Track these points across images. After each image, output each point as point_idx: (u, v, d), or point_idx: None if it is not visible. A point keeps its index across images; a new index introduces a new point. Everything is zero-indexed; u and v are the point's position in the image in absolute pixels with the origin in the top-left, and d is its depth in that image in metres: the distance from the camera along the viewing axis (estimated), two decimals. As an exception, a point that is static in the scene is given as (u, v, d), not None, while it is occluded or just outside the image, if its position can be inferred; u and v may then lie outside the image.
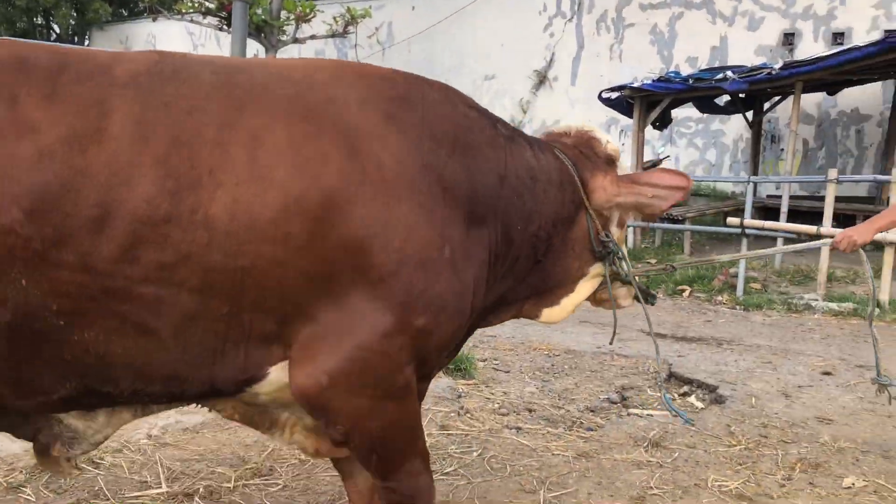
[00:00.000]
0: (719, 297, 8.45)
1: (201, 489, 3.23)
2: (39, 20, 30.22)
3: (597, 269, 2.64)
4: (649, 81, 10.34)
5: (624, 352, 6.24)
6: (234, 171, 1.86)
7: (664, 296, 8.80)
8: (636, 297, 2.79)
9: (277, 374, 2.04)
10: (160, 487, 3.22)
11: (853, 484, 3.59)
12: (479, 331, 6.94)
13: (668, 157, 14.06)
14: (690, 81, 9.89)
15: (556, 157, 2.55)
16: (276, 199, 1.87)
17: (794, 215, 10.50)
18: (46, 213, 1.75)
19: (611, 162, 2.63)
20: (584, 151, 2.62)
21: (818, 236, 8.20)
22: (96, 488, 3.18)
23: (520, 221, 2.38)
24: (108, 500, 3.10)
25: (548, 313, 2.65)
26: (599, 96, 11.00)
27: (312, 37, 14.75)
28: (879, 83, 11.59)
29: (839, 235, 3.50)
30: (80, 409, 2.08)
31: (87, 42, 29.85)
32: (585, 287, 2.68)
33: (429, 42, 18.54)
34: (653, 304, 2.92)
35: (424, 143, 2.14)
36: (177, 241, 1.81)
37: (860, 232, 3.46)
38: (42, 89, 1.82)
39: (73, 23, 28.74)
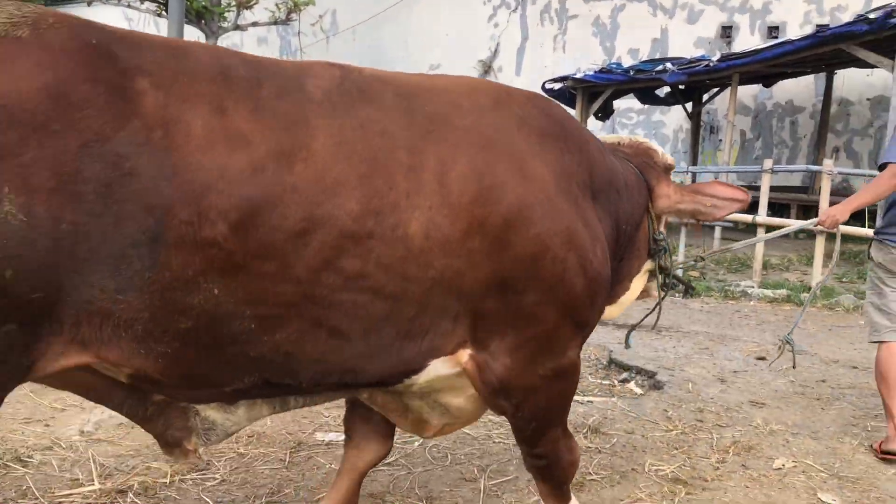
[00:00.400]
0: (659, 285, 8.62)
1: (136, 485, 3.16)
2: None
3: (647, 265, 2.88)
4: (591, 73, 10.44)
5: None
6: (428, 196, 2.02)
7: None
8: (664, 288, 2.99)
9: (435, 367, 2.24)
10: (92, 485, 3.14)
11: (783, 465, 3.70)
12: None
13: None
14: (631, 73, 10.03)
15: (628, 165, 2.79)
16: (464, 224, 2.07)
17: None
18: (253, 228, 1.78)
19: (668, 170, 2.90)
20: (646, 160, 2.86)
21: (754, 225, 8.46)
22: (24, 487, 3.08)
23: (623, 223, 2.67)
24: (36, 499, 3.01)
25: (609, 311, 2.78)
26: (542, 87, 11.08)
27: (254, 24, 14.51)
28: (812, 76, 11.93)
29: (823, 215, 3.93)
30: (246, 399, 2.19)
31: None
32: (638, 284, 2.89)
33: (374, 31, 18.42)
34: (692, 296, 3.29)
35: (565, 156, 2.39)
36: (378, 255, 1.95)
37: (840, 210, 3.85)
38: (247, 102, 1.84)
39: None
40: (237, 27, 14.30)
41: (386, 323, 2.05)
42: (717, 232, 9.55)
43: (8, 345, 1.64)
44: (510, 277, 2.18)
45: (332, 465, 3.40)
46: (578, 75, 10.42)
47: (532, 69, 15.45)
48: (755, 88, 12.83)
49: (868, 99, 11.90)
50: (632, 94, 12.30)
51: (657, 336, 6.46)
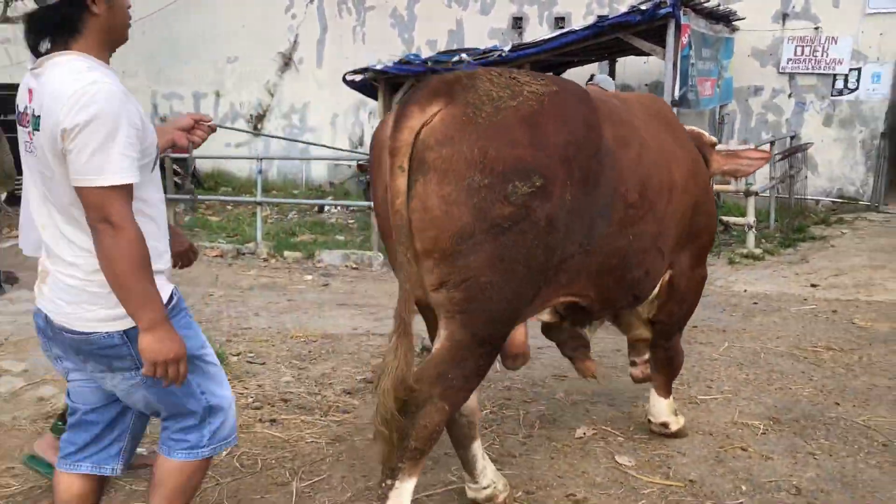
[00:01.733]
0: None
1: None
2: None
3: None
4: (391, 64, 10.50)
5: (379, 331, 6.32)
6: (678, 185, 3.24)
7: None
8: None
9: (657, 285, 3.45)
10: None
11: (584, 433, 3.91)
12: (233, 324, 6.60)
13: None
14: (429, 64, 10.19)
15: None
16: (689, 202, 3.38)
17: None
18: (644, 192, 2.98)
19: (713, 146, 3.90)
20: (700, 140, 3.82)
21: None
22: None
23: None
24: None
25: None
26: (343, 79, 11.01)
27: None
28: (597, 64, 12.71)
29: None
30: (606, 317, 3.65)
31: None
32: None
33: (164, 24, 17.43)
34: None
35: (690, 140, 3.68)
36: (666, 226, 3.17)
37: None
38: (622, 124, 3.00)
39: None
40: (7, 20, 13.02)
41: (660, 264, 3.26)
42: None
43: (534, 294, 2.66)
44: (695, 223, 3.45)
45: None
46: (378, 67, 10.43)
47: (333, 61, 15.30)
48: (547, 76, 13.47)
49: (646, 84, 12.85)
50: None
51: (467, 320, 6.62)
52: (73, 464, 2.41)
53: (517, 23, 13.83)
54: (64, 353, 2.31)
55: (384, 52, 13.97)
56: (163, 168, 15.72)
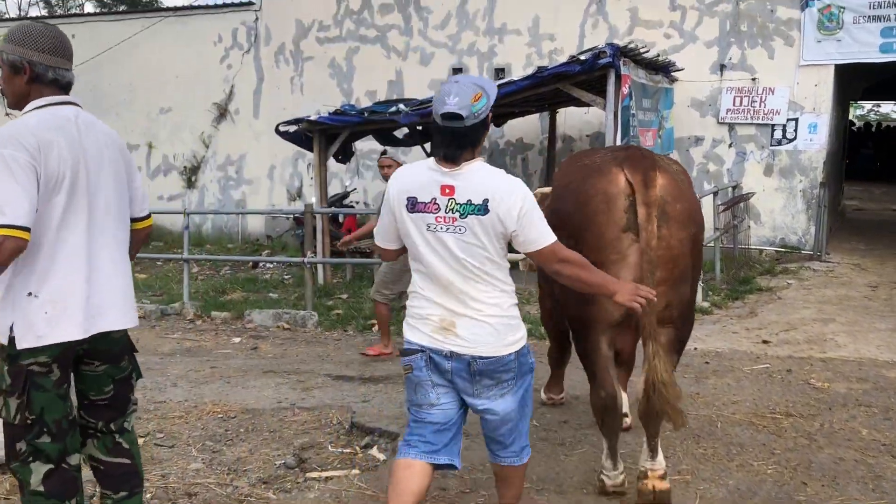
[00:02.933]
0: (408, 330, 8.36)
1: None
2: None
3: None
4: (326, 115, 10.12)
5: (306, 403, 5.80)
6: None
7: (354, 332, 8.55)
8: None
9: None
10: None
11: (529, 528, 3.45)
12: (147, 397, 5.95)
13: (356, 189, 14.04)
14: (366, 114, 9.84)
15: None
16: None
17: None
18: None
19: None
20: None
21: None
22: None
23: None
24: None
25: None
26: (277, 130, 10.58)
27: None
28: (537, 115, 12.55)
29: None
30: None
31: None
32: None
33: (94, 73, 16.82)
34: None
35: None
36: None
37: None
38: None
39: None
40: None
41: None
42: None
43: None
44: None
45: None
46: (312, 117, 10.04)
47: (270, 111, 14.89)
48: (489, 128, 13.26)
49: (587, 135, 12.74)
50: (371, 137, 12.17)
51: (403, 388, 6.13)
52: (433, 455, 3.03)
53: (457, 74, 13.64)
54: (450, 380, 2.98)
55: (322, 103, 13.65)
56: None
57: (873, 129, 24.54)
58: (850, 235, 12.40)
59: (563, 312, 3.88)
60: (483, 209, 2.81)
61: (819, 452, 4.37)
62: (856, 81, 14.64)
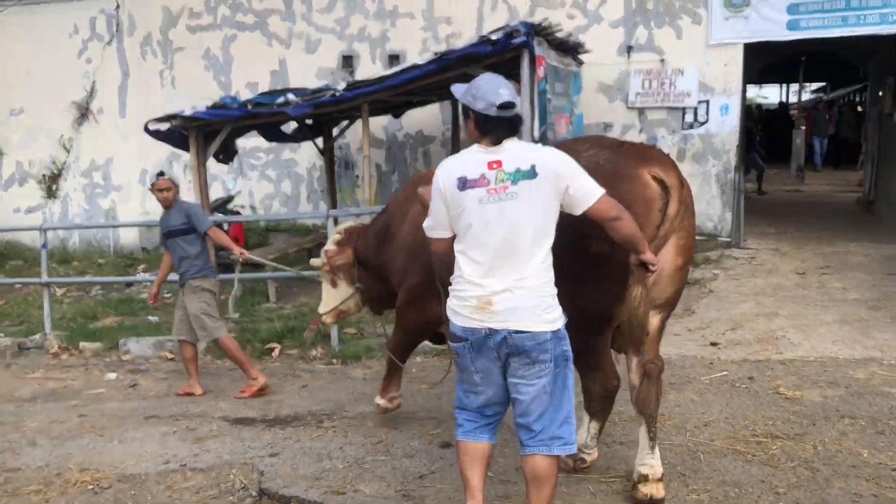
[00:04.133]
0: (313, 352, 7.33)
1: None
2: None
3: None
4: (203, 109, 8.88)
5: (200, 461, 4.71)
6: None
7: (250, 356, 7.42)
8: None
9: None
10: None
11: None
12: None
13: (240, 192, 12.76)
14: (249, 107, 8.67)
15: None
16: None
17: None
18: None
19: None
20: None
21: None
22: None
23: None
24: None
25: None
26: (146, 129, 9.24)
27: None
28: (438, 104, 11.68)
29: None
30: None
31: None
32: None
33: (-72, 72, 14.77)
34: None
35: None
36: None
37: None
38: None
39: None
40: None
41: None
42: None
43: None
44: None
45: None
46: (188, 112, 8.77)
47: (139, 109, 13.31)
48: (385, 119, 12.30)
49: (491, 124, 11.96)
50: (256, 133, 10.97)
51: (319, 431, 5.12)
52: (477, 435, 3.24)
53: (347, 61, 12.59)
54: (492, 359, 3.07)
55: (198, 98, 12.26)
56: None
57: (756, 113, 25.17)
58: (757, 219, 12.16)
59: (583, 308, 3.44)
60: (532, 173, 3.00)
61: (828, 487, 3.70)
62: (753, 63, 14.55)
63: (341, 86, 8.55)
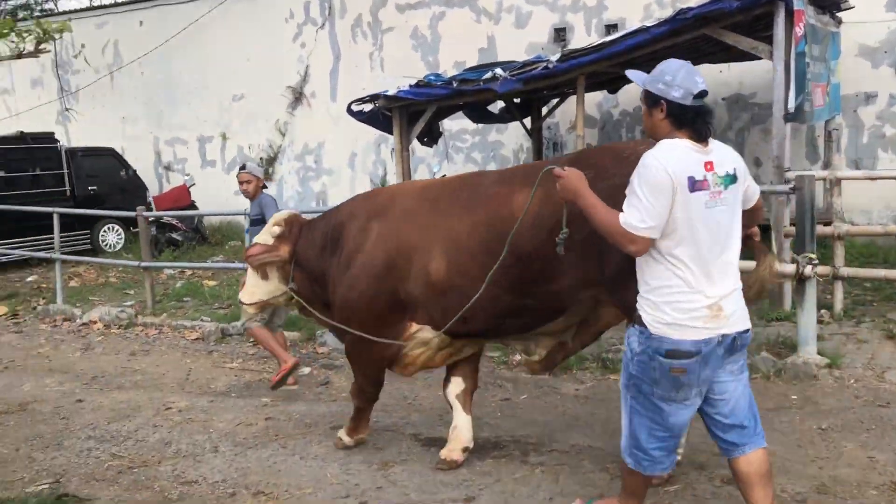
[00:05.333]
0: (517, 357, 6.50)
1: None
2: None
3: None
4: (407, 88, 8.32)
5: (382, 500, 4.02)
6: None
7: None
8: None
9: None
10: None
11: None
12: (177, 473, 4.28)
13: (445, 175, 12.22)
14: (454, 84, 7.98)
15: None
16: None
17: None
18: None
19: None
20: None
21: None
22: None
23: None
24: None
25: None
26: (348, 110, 8.87)
27: (-10, 58, 11.49)
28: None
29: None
30: None
31: None
32: None
33: (164, 61, 15.67)
34: None
35: None
36: None
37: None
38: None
39: None
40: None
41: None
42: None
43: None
44: None
45: None
46: (391, 92, 8.26)
47: (349, 92, 13.15)
48: (598, 96, 11.23)
49: (723, 99, 10.49)
50: (462, 114, 10.34)
51: (525, 475, 4.25)
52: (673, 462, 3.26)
53: (559, 34, 11.62)
54: (715, 367, 2.91)
55: (406, 79, 11.86)
56: (164, 226, 13.82)
57: None
58: None
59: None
60: (734, 177, 2.93)
61: None
62: None
63: (555, 57, 7.61)
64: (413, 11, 12.93)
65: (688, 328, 2.81)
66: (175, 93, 15.82)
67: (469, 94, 8.11)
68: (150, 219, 11.21)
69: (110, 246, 13.97)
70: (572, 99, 9.70)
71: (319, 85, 14.16)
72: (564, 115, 11.42)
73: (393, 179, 11.53)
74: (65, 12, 18.26)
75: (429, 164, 12.78)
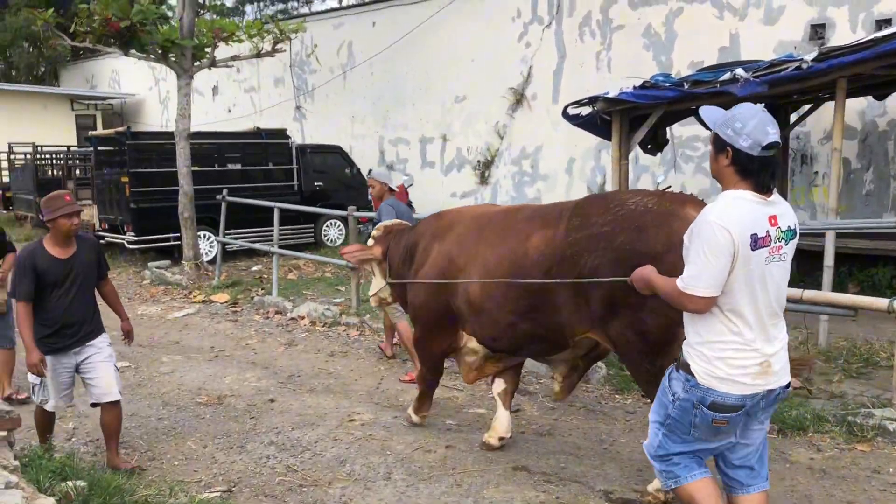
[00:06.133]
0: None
1: None
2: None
3: None
4: (629, 90, 7.53)
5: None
6: None
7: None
8: None
9: None
10: None
11: None
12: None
13: (670, 187, 11.15)
14: (685, 86, 7.07)
15: None
16: None
17: (841, 260, 7.68)
18: None
19: None
20: None
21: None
22: None
23: None
24: None
25: None
26: (564, 113, 8.23)
27: (234, 58, 12.17)
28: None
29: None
30: None
31: (55, 79, 27.83)
32: None
33: (392, 62, 15.98)
34: None
35: None
36: None
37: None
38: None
39: (31, 60, 26.82)
40: (213, 64, 11.96)
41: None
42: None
43: None
44: None
45: None
46: (612, 94, 7.51)
47: (571, 94, 12.48)
48: (860, 102, 9.68)
49: None
50: (693, 118, 9.32)
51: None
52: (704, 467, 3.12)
53: (817, 31, 10.18)
54: (756, 417, 2.95)
55: (630, 80, 11.03)
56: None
57: None
58: None
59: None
60: (795, 233, 2.90)
61: None
62: None
63: (810, 56, 6.47)
64: (647, 8, 12.01)
65: (737, 383, 2.83)
66: (401, 93, 16.06)
67: (702, 98, 7.15)
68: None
69: (332, 241, 14.40)
70: (828, 105, 8.36)
71: (541, 86, 13.64)
72: (818, 123, 10.00)
73: (610, 188, 10.72)
74: (307, 14, 19.29)
75: (653, 173, 11.82)
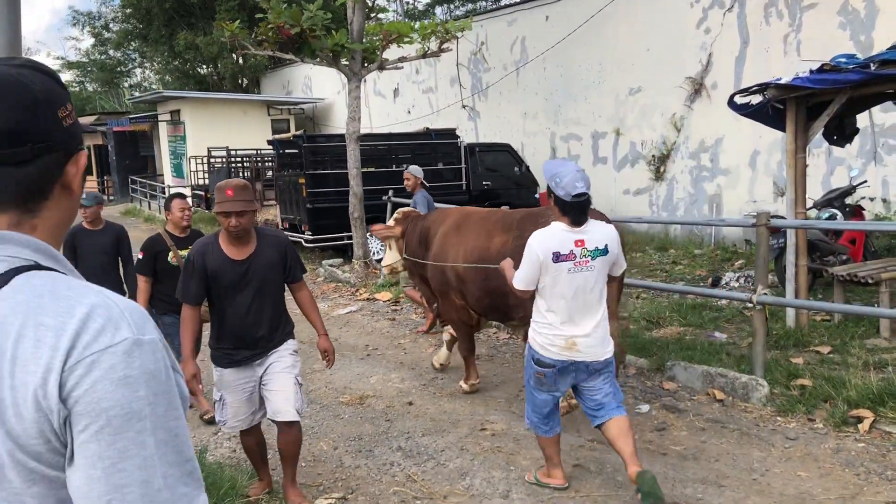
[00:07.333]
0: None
1: None
2: (206, 69, 30.88)
3: None
4: (804, 74, 6.70)
5: None
6: None
7: (826, 419, 5.20)
8: None
9: None
10: None
11: None
12: None
13: (866, 182, 9.82)
14: (873, 67, 6.18)
15: None
16: None
17: None
18: None
19: None
20: None
21: None
22: None
23: None
24: None
25: None
26: (730, 102, 7.49)
27: (402, 59, 12.35)
28: None
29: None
30: None
31: (256, 86, 29.99)
32: None
33: (565, 55, 15.59)
34: None
35: None
36: None
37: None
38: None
39: (236, 70, 28.99)
40: (381, 67, 12.22)
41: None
42: None
43: None
44: None
45: None
46: (784, 80, 6.70)
47: (754, 81, 11.43)
48: None
49: None
50: (893, 104, 8.22)
51: None
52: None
53: None
54: (578, 378, 4.23)
55: (806, 64, 9.93)
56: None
57: None
58: None
59: None
60: (603, 251, 4.12)
61: None
62: None
63: None
64: (843, -18, 10.78)
65: (549, 350, 4.14)
66: (573, 87, 15.62)
67: (894, 80, 6.23)
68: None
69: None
70: None
71: (722, 74, 12.68)
72: None
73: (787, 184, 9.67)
74: (482, 12, 19.26)
75: (848, 165, 10.59)
